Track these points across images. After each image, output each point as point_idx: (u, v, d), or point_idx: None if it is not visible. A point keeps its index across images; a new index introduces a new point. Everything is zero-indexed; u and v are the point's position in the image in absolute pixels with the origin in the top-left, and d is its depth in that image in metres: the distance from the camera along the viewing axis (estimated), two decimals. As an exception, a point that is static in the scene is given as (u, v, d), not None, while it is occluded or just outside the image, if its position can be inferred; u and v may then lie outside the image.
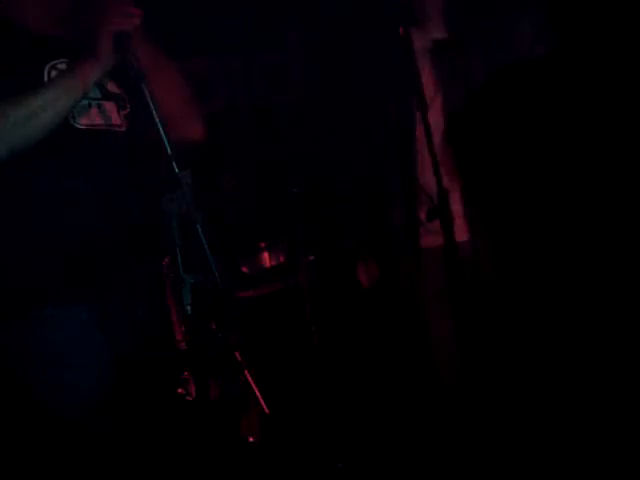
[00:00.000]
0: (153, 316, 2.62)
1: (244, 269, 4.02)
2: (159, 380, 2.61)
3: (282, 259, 4.07)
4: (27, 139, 2.24)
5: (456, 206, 3.02)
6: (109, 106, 2.47)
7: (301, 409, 3.50)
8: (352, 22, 3.76)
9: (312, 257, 3.83)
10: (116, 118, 2.48)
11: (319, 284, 3.82)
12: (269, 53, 4.68)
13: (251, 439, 3.10)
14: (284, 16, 4.65)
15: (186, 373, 2.80)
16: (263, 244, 4.06)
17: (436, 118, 3.04)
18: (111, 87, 2.49)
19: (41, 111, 2.24)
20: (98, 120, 2.42)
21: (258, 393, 3.15)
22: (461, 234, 3.10)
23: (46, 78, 2.34)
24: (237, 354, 3.16)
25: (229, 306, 3.06)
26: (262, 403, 3.13)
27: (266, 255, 4.05)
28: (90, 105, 2.42)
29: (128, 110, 2.52)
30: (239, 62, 4.56)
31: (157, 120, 2.28)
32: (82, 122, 2.38)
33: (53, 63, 2.38)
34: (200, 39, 4.30)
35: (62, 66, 2.37)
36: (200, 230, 2.24)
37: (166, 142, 2.27)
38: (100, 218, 2.39)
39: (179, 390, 2.76)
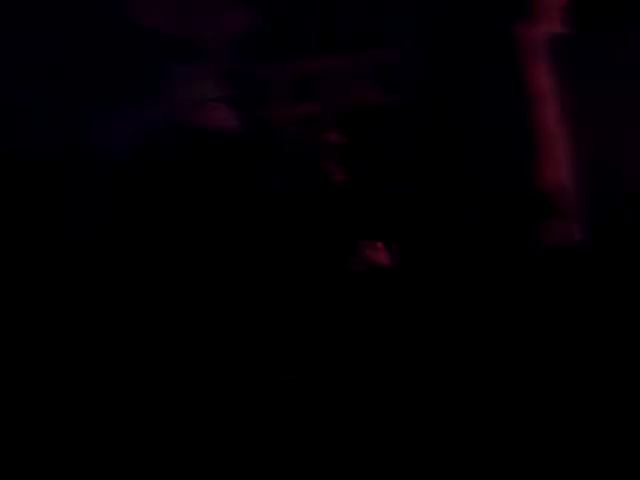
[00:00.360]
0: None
1: (357, 267, 4.01)
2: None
3: (395, 258, 4.05)
4: (147, 137, 2.26)
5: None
6: (226, 107, 2.48)
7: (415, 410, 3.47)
8: (466, 18, 3.70)
9: (424, 258, 3.80)
10: (233, 119, 2.48)
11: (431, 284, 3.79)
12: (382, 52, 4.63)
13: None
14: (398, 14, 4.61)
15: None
16: (378, 243, 4.04)
17: (550, 115, 2.98)
18: (228, 89, 2.50)
19: (160, 110, 2.26)
20: (215, 121, 2.43)
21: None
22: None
23: (165, 79, 2.36)
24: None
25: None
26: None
27: (379, 253, 4.04)
28: (208, 105, 2.43)
29: (244, 112, 2.53)
30: (349, 62, 4.53)
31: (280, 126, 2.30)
32: (199, 122, 2.40)
33: (172, 63, 2.39)
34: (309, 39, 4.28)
35: (180, 67, 2.39)
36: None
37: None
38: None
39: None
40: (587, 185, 3.10)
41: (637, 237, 2.92)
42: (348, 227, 3.96)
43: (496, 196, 3.19)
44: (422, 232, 3.78)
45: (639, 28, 3.09)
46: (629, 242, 3.00)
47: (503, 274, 3.24)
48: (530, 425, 3.10)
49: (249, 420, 2.67)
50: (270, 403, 2.73)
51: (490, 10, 3.10)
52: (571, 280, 2.73)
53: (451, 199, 3.43)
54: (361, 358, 3.26)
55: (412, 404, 3.20)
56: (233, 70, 2.42)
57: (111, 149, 2.28)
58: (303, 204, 2.82)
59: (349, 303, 3.61)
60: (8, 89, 2.52)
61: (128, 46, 2.37)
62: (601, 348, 2.96)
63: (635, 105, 3.09)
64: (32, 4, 2.44)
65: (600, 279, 2.97)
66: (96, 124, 2.28)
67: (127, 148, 2.27)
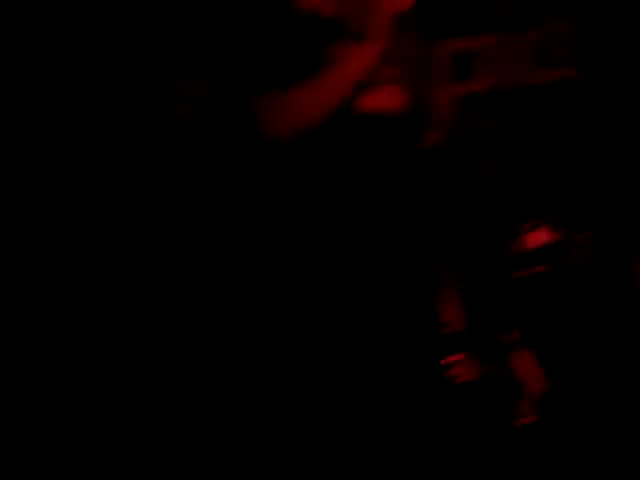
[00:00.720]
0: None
1: (515, 248, 3.96)
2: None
3: (555, 236, 3.98)
4: (309, 122, 2.28)
5: None
6: (389, 89, 2.48)
7: (580, 389, 3.40)
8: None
9: (588, 234, 3.72)
10: (397, 101, 2.48)
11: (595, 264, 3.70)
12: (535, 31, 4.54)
13: (526, 420, 3.05)
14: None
15: (461, 355, 2.78)
16: (534, 222, 3.98)
17: None
18: (389, 69, 2.50)
19: (322, 94, 2.28)
20: (379, 103, 2.44)
21: (536, 373, 3.09)
22: None
23: (325, 61, 2.37)
24: (514, 334, 3.11)
25: (503, 286, 3.01)
26: (540, 383, 3.07)
27: (537, 233, 3.98)
28: (370, 88, 2.43)
29: (407, 93, 2.52)
30: (504, 40, 4.46)
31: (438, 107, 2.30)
32: (363, 105, 2.40)
33: (331, 45, 2.40)
34: (465, 18, 4.24)
35: (340, 48, 2.40)
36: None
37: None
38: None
39: (452, 371, 2.74)
40: None
41: None
42: (506, 210, 3.91)
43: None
44: (580, 212, 3.69)
45: None
46: None
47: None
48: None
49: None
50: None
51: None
52: None
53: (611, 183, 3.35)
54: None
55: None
56: (392, 49, 2.42)
57: (278, 133, 2.32)
58: (460, 187, 2.79)
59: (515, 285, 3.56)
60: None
61: (290, 29, 2.40)
62: None
63: None
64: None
65: None
66: (262, 109, 2.31)
67: (292, 132, 2.30)
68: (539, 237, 4.03)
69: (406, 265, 2.55)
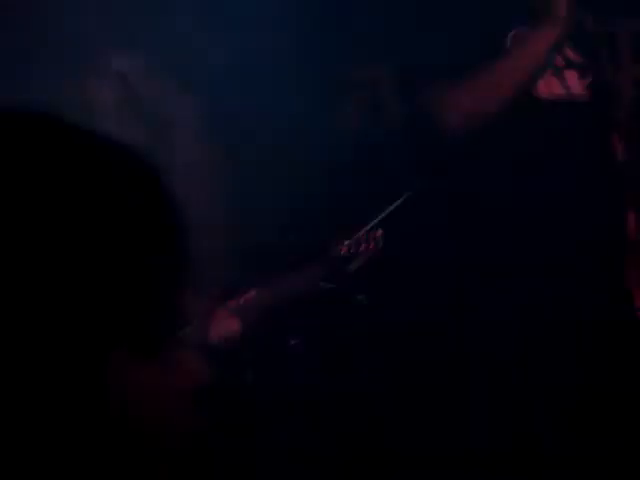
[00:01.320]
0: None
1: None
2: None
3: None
4: (487, 111, 2.23)
5: None
6: (570, 74, 2.39)
7: None
8: None
9: None
10: (578, 87, 2.39)
11: None
12: None
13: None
14: None
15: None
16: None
17: None
18: (571, 54, 2.41)
19: (502, 80, 2.22)
20: (559, 89, 2.36)
21: None
22: None
23: (508, 45, 2.32)
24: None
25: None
26: None
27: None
28: (551, 73, 2.36)
29: (590, 79, 2.42)
30: None
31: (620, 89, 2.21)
32: (542, 91, 2.33)
33: (515, 31, 2.35)
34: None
35: (523, 32, 2.34)
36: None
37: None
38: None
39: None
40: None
41: None
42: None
43: None
44: None
45: None
46: None
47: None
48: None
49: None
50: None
51: None
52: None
53: None
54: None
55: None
56: (574, 32, 2.34)
57: (455, 125, 2.28)
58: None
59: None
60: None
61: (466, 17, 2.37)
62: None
63: None
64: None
65: None
66: (438, 100, 2.28)
67: (470, 122, 2.26)
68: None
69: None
